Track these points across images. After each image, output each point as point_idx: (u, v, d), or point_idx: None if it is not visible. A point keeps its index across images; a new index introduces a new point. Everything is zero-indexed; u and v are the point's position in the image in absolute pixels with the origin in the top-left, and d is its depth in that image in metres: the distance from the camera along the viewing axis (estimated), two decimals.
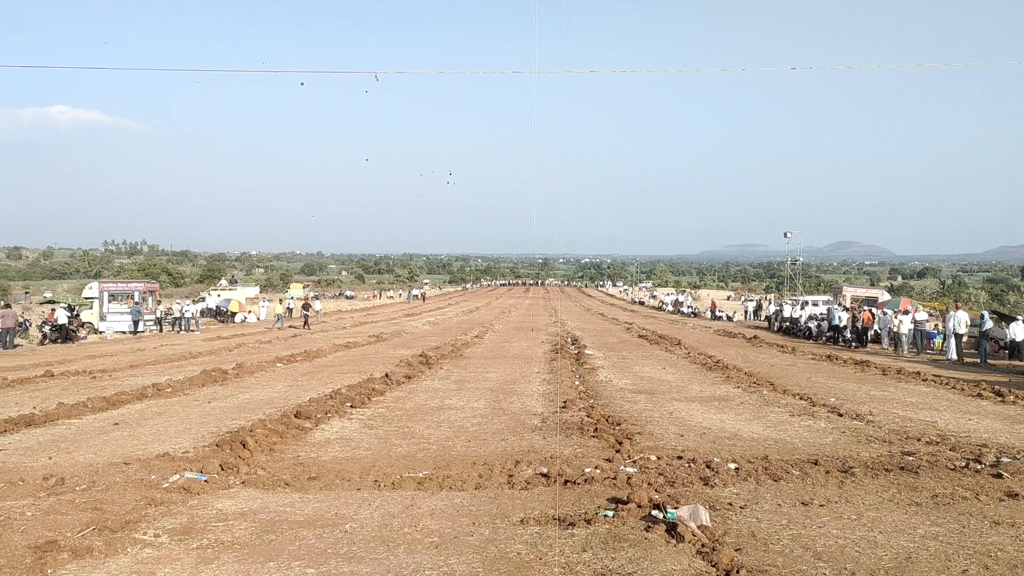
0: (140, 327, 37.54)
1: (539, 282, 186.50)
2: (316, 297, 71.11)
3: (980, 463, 9.51)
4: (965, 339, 25.08)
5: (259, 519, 7.32)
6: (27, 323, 34.60)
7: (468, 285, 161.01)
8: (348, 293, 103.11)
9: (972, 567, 6.00)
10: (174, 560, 6.22)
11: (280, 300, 46.75)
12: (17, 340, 30.40)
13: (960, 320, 24.56)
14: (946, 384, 17.67)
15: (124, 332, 36.76)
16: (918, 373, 19.68)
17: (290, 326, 40.29)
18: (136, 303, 38.31)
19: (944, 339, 25.96)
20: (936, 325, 32.60)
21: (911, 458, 9.83)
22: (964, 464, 9.47)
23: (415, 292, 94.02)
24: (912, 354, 26.50)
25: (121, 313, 37.63)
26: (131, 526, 7.01)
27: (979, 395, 15.89)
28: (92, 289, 39.12)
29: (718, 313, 53.81)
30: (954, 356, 24.36)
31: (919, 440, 11.12)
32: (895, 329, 28.18)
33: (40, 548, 6.32)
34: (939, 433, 11.69)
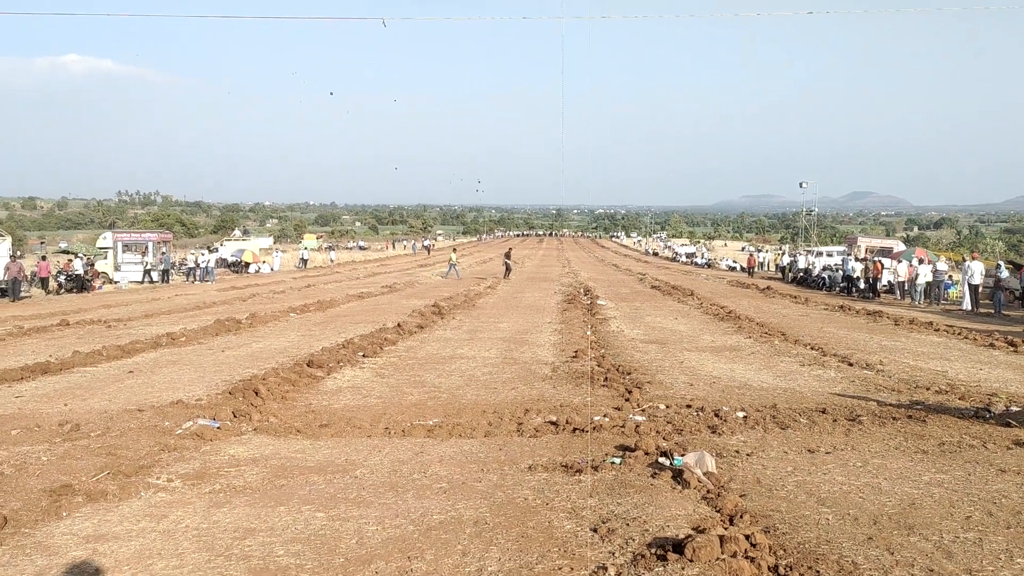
0: (163, 276, 37.79)
1: (552, 233, 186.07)
2: (331, 248, 71.32)
3: (989, 412, 9.51)
4: (980, 289, 24.92)
5: (270, 465, 7.42)
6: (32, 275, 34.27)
7: (483, 236, 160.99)
8: (361, 244, 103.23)
9: (976, 513, 6.03)
10: (186, 504, 6.33)
11: (454, 249, 45.96)
12: (25, 291, 30.14)
13: (975, 270, 24.37)
14: (958, 334, 17.61)
15: (152, 282, 36.91)
16: (931, 323, 19.61)
17: (493, 277, 39.11)
18: (164, 253, 38.47)
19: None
20: (950, 275, 32.39)
21: (919, 407, 9.84)
22: (973, 413, 9.48)
23: (426, 243, 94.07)
24: (926, 305, 26.37)
25: (136, 263, 37.76)
26: (144, 471, 7.14)
27: (991, 345, 15.83)
28: (106, 239, 39.33)
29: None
30: (968, 306, 24.24)
31: (928, 389, 11.12)
32: (900, 278, 28.20)
33: (55, 492, 6.45)
34: (949, 382, 11.67)
